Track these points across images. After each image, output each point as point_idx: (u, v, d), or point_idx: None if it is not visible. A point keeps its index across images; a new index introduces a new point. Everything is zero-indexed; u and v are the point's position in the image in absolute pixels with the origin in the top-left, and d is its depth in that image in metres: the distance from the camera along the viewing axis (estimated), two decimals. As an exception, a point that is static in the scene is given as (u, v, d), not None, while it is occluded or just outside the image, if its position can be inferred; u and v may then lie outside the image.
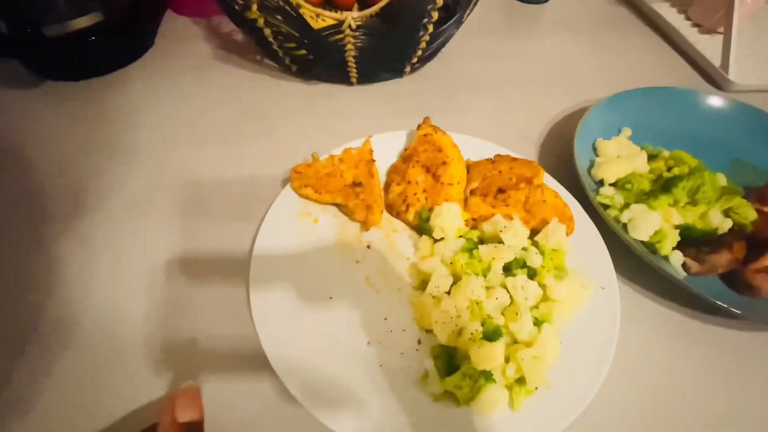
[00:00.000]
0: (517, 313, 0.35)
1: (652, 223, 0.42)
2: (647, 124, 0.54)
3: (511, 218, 0.42)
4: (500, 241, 0.40)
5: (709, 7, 0.71)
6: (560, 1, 0.81)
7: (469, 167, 0.47)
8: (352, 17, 0.48)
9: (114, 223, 0.44)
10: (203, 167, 0.49)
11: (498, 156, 0.47)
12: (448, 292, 0.38)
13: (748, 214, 0.43)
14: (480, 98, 0.61)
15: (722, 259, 0.41)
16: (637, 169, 0.48)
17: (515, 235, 0.40)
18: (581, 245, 0.42)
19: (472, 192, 0.45)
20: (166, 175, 0.48)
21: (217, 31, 0.67)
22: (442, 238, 0.41)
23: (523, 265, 0.39)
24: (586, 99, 0.60)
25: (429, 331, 0.37)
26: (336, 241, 0.43)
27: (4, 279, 0.39)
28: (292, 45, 0.53)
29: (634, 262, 0.42)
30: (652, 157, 0.50)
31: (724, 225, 0.43)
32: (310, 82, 0.60)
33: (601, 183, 0.48)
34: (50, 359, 0.35)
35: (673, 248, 0.42)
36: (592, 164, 0.50)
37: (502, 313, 0.36)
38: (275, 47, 0.54)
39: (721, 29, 0.66)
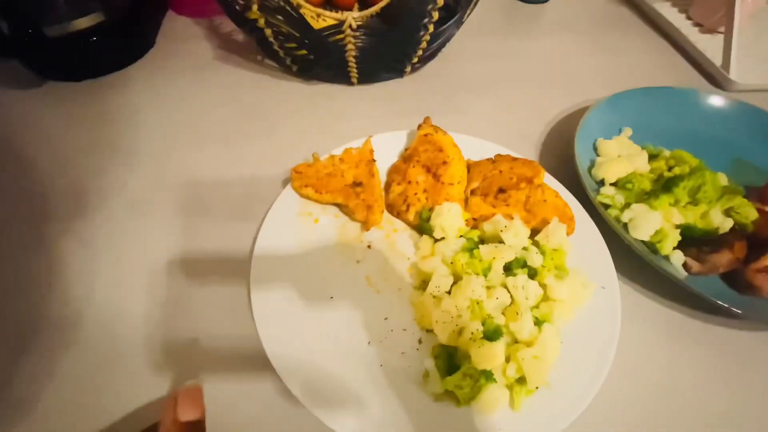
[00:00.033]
0: (517, 313, 0.35)
1: (652, 223, 0.42)
2: (648, 123, 0.54)
3: (512, 218, 0.42)
4: (501, 241, 0.40)
5: (709, 7, 0.71)
6: (560, 0, 0.81)
7: (470, 167, 0.47)
8: (353, 17, 0.48)
9: (114, 223, 0.44)
10: (204, 167, 0.49)
11: (498, 156, 0.47)
12: (449, 292, 0.38)
13: (749, 213, 0.43)
14: (480, 98, 0.61)
15: (723, 259, 0.41)
16: (638, 169, 0.48)
17: (516, 234, 0.40)
18: (582, 245, 0.42)
19: (472, 192, 0.45)
20: (166, 175, 0.48)
21: (218, 31, 0.67)
22: (443, 238, 0.41)
23: (524, 264, 0.39)
24: (587, 99, 0.60)
25: (429, 331, 0.37)
26: (336, 241, 0.43)
27: (4, 279, 0.39)
28: (293, 45, 0.53)
29: (634, 262, 0.42)
30: (652, 157, 0.50)
31: (725, 225, 0.43)
32: (310, 82, 0.60)
33: (601, 183, 0.48)
34: (51, 359, 0.35)
35: (674, 248, 0.42)
36: (592, 164, 0.50)
37: (503, 313, 0.36)
38: (276, 47, 0.54)
39: (722, 29, 0.66)
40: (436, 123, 0.49)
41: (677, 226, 0.43)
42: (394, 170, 0.48)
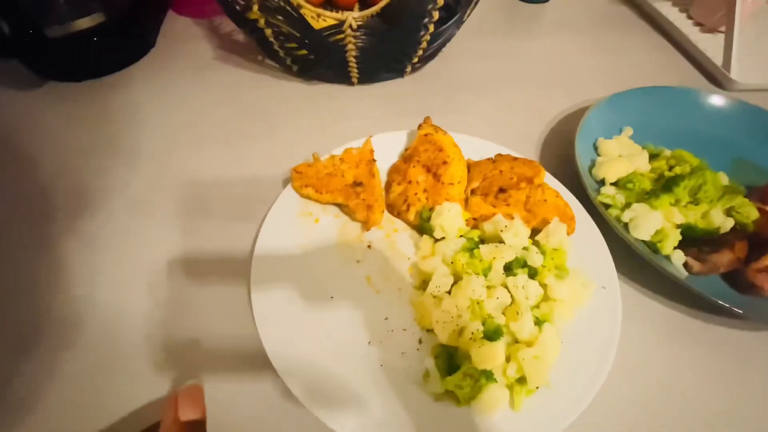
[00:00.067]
0: (517, 313, 0.35)
1: (653, 223, 0.42)
2: (648, 123, 0.54)
3: (512, 218, 0.42)
4: (501, 241, 0.40)
5: (710, 6, 0.71)
6: (561, 0, 0.81)
7: (470, 167, 0.47)
8: (353, 17, 0.49)
9: (115, 223, 0.44)
10: (204, 167, 0.49)
11: (499, 155, 0.47)
12: (449, 292, 0.38)
13: (750, 213, 0.43)
14: (481, 98, 0.61)
15: (724, 259, 0.41)
16: (639, 169, 0.48)
17: (516, 234, 0.40)
18: (582, 245, 0.42)
19: (472, 191, 0.45)
20: (167, 175, 0.48)
21: (218, 31, 0.67)
22: (443, 238, 0.41)
23: (524, 264, 0.39)
24: (587, 98, 0.60)
25: (430, 331, 0.37)
26: (337, 241, 0.43)
27: (4, 279, 0.39)
28: (293, 45, 0.53)
29: (635, 262, 0.42)
30: (653, 157, 0.50)
31: (726, 224, 0.43)
32: (311, 82, 0.60)
33: (602, 182, 0.48)
34: (52, 359, 0.35)
35: (675, 248, 0.42)
36: (593, 164, 0.50)
37: (503, 313, 0.36)
38: (276, 47, 0.54)
39: (723, 28, 0.66)
40: (436, 123, 0.49)
41: (678, 226, 0.43)
42: (394, 170, 0.48)
